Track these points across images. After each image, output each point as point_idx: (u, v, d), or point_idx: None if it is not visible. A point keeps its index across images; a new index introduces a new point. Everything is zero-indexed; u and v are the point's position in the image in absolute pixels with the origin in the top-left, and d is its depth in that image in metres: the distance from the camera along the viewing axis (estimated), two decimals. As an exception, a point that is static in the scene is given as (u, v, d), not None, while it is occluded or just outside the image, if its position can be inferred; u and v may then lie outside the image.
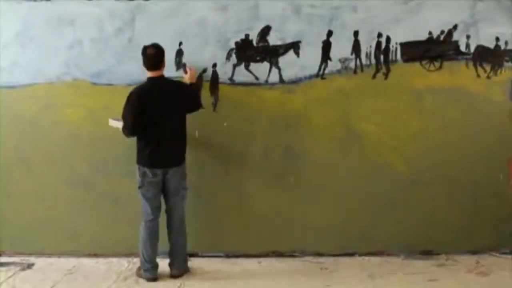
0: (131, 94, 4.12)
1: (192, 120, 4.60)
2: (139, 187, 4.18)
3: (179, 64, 4.61)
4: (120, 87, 4.61)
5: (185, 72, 4.48)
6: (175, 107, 4.14)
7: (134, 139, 4.20)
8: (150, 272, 4.19)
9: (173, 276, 4.23)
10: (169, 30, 4.58)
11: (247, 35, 4.59)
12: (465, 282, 4.07)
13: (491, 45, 4.60)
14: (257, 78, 4.62)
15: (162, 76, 4.20)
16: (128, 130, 4.12)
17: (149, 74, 4.19)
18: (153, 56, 4.13)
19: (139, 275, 4.25)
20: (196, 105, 4.30)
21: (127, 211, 4.61)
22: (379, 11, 4.56)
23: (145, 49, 4.17)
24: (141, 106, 4.05)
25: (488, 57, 4.61)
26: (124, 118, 4.12)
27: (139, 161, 4.17)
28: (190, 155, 4.56)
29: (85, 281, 4.18)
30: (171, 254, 4.27)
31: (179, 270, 4.25)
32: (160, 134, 4.09)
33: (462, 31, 4.59)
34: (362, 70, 4.62)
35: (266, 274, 4.28)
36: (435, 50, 4.60)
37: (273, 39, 4.59)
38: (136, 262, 4.50)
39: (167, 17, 4.58)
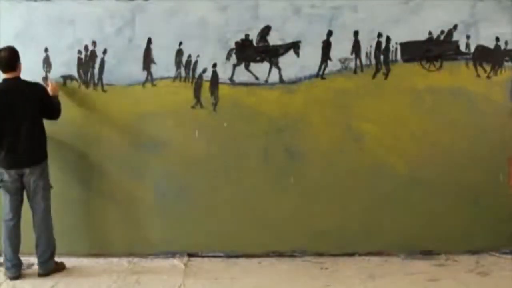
0: None
1: (192, 120, 4.62)
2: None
3: (179, 64, 4.61)
4: (120, 87, 4.62)
5: (47, 85, 4.48)
6: (29, 107, 4.14)
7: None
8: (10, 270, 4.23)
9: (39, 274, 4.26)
10: (169, 30, 4.58)
11: (247, 35, 4.59)
12: (465, 282, 4.07)
13: (491, 45, 4.61)
14: (257, 78, 4.62)
15: (17, 78, 4.20)
16: None
17: (4, 75, 4.20)
18: (7, 58, 4.13)
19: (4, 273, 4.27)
20: (55, 113, 4.30)
21: (127, 211, 4.62)
22: (379, 11, 4.56)
23: None
24: None
25: (488, 57, 4.61)
26: None
27: None
28: (190, 155, 4.58)
29: (85, 281, 4.18)
30: (36, 253, 4.28)
31: (43, 270, 4.26)
32: (13, 134, 4.10)
33: (462, 31, 4.59)
34: (362, 70, 4.62)
35: (266, 274, 4.28)
36: (435, 50, 4.60)
37: (273, 39, 4.59)
38: (136, 262, 4.51)
39: (167, 17, 4.59)
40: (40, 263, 4.27)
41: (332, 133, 4.62)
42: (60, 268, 4.36)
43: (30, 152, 4.16)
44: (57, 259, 4.48)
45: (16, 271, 4.23)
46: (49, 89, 4.41)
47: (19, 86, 4.20)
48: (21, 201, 4.26)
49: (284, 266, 4.45)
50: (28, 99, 4.16)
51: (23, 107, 4.12)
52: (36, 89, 4.26)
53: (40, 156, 4.24)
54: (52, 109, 4.29)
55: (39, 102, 4.20)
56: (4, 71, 4.19)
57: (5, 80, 4.21)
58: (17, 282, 4.16)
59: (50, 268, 4.28)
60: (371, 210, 4.63)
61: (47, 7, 4.60)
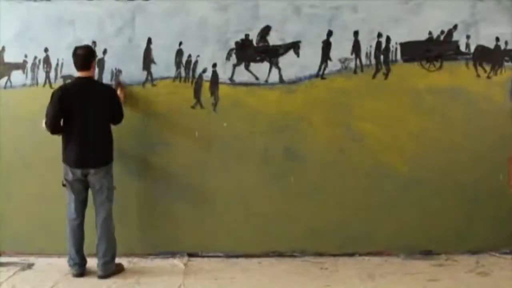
0: (55, 91, 4.15)
1: (192, 120, 4.62)
2: (63, 186, 4.21)
3: (179, 64, 4.61)
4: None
5: (117, 88, 4.50)
6: (100, 108, 4.14)
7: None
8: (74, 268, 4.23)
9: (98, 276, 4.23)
10: (169, 30, 4.59)
11: (247, 35, 4.60)
12: (465, 282, 4.07)
13: (491, 45, 4.61)
14: (257, 78, 4.63)
15: (90, 77, 4.21)
16: (48, 126, 4.13)
17: (77, 74, 4.20)
18: (83, 56, 4.13)
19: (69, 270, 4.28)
20: (120, 118, 4.28)
21: (127, 211, 4.61)
22: (379, 11, 4.56)
23: (76, 49, 4.18)
24: (63, 104, 4.06)
25: (488, 57, 4.61)
26: (46, 113, 4.13)
27: (64, 160, 4.19)
28: (189, 156, 4.58)
29: (85, 281, 4.18)
30: (97, 254, 4.26)
31: (103, 272, 4.22)
32: (82, 133, 4.10)
33: (462, 31, 4.59)
34: (362, 70, 4.62)
35: (266, 274, 4.28)
36: (435, 50, 4.60)
37: (273, 39, 4.59)
38: (136, 262, 4.51)
39: (167, 17, 4.59)
40: (101, 265, 4.21)
41: (332, 133, 4.62)
42: (120, 269, 4.32)
43: (98, 153, 4.16)
44: (57, 259, 4.50)
45: (79, 269, 4.22)
46: (119, 94, 4.40)
47: (91, 86, 4.19)
48: (85, 201, 4.25)
49: (284, 266, 4.45)
50: (99, 100, 4.14)
51: (94, 107, 4.10)
52: (107, 91, 4.25)
53: (107, 158, 4.22)
54: (118, 113, 4.27)
55: (108, 104, 4.18)
56: (79, 69, 4.16)
57: (78, 78, 4.18)
58: (18, 282, 4.16)
59: (111, 269, 4.24)
60: (371, 210, 4.63)
61: (47, 7, 4.61)
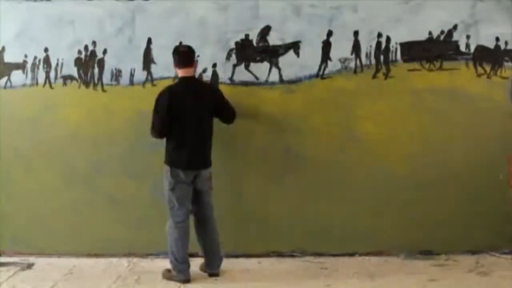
0: (161, 93, 4.09)
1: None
2: (171, 189, 4.12)
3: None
4: (120, 87, 4.63)
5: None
6: (206, 109, 4.11)
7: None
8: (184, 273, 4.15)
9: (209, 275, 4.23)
10: (169, 30, 4.59)
11: (247, 35, 4.60)
12: (465, 282, 4.06)
13: (491, 45, 4.61)
14: (257, 78, 4.63)
15: (193, 78, 4.19)
16: (157, 132, 4.09)
17: (180, 73, 4.16)
18: (187, 52, 4.12)
19: (168, 277, 4.19)
20: (230, 112, 4.23)
21: (127, 211, 4.62)
22: (379, 11, 4.56)
23: (176, 48, 4.19)
24: (172, 105, 4.01)
25: (488, 57, 4.61)
26: (153, 118, 4.07)
27: (171, 162, 4.12)
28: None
29: (85, 281, 4.18)
30: (206, 254, 4.26)
31: (216, 268, 4.24)
32: (192, 135, 4.07)
33: (462, 31, 4.59)
34: (362, 70, 4.62)
35: (266, 274, 4.28)
36: (435, 50, 4.60)
37: (273, 39, 4.60)
38: (136, 262, 4.51)
39: (167, 17, 4.59)
40: (213, 263, 4.23)
41: (332, 133, 4.61)
42: None
43: (206, 154, 4.16)
44: (57, 259, 4.50)
45: (188, 273, 4.15)
46: None
47: (196, 86, 4.16)
48: (191, 203, 4.21)
49: (284, 266, 4.45)
50: (206, 100, 4.10)
51: (201, 108, 4.07)
52: (213, 91, 4.24)
53: (211, 158, 4.21)
54: (229, 112, 4.23)
55: (214, 105, 4.15)
56: (184, 65, 4.10)
57: (182, 79, 4.15)
58: (18, 282, 4.15)
59: (219, 266, 4.26)
60: (371, 210, 4.63)
61: (47, 7, 4.61)
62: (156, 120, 4.05)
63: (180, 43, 4.56)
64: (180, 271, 4.14)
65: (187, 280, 4.11)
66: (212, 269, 4.23)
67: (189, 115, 4.04)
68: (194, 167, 4.11)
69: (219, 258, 4.25)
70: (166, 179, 4.12)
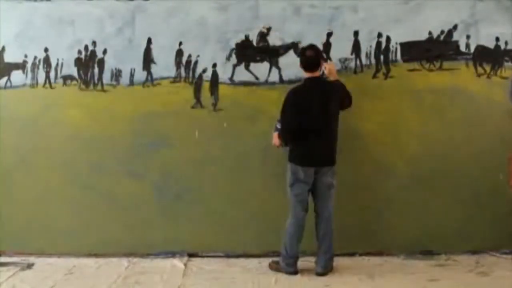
0: (287, 94, 4.14)
1: (192, 120, 4.62)
2: (291, 185, 4.18)
3: (179, 64, 4.62)
4: (120, 87, 4.63)
5: (323, 69, 4.33)
6: (332, 107, 4.13)
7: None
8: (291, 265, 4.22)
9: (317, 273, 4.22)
10: (169, 30, 4.59)
11: (247, 35, 4.60)
12: (465, 282, 4.06)
13: (491, 45, 4.61)
14: (257, 78, 4.63)
15: (319, 77, 4.19)
16: (287, 133, 4.14)
17: (306, 74, 4.18)
18: (312, 58, 4.13)
19: (276, 269, 4.28)
20: (349, 100, 4.24)
21: (127, 211, 4.62)
22: (379, 11, 4.57)
23: (304, 50, 4.18)
24: (297, 106, 4.07)
25: (488, 57, 4.61)
26: (282, 120, 4.14)
27: (292, 159, 4.17)
28: (190, 155, 4.58)
29: (85, 281, 4.17)
30: (318, 252, 4.26)
31: (323, 268, 4.22)
32: (316, 133, 4.09)
33: (462, 31, 4.60)
34: (362, 70, 4.62)
35: (266, 274, 4.27)
36: (435, 50, 4.60)
37: (273, 39, 4.60)
38: (136, 262, 4.51)
39: (167, 17, 4.59)
40: (321, 262, 4.21)
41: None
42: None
43: (330, 151, 4.16)
44: (57, 259, 4.50)
45: (295, 266, 4.21)
46: (327, 73, 4.29)
47: (322, 85, 4.18)
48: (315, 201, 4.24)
49: (284, 266, 4.45)
50: (331, 98, 4.12)
51: (327, 106, 4.09)
52: (335, 87, 4.21)
53: (335, 156, 4.20)
54: (348, 98, 4.22)
55: (339, 100, 4.17)
56: (309, 71, 4.14)
57: (308, 79, 4.16)
58: (17, 282, 4.15)
59: (329, 268, 4.23)
60: (371, 210, 4.63)
61: (47, 7, 4.61)
62: (286, 124, 4.12)
63: (180, 43, 4.57)
64: (288, 264, 4.21)
65: (294, 272, 4.19)
66: (316, 268, 4.23)
67: (312, 112, 4.06)
68: (313, 164, 4.13)
69: (326, 259, 4.22)
70: (287, 175, 4.20)
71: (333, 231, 4.22)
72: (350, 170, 4.60)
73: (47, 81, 4.67)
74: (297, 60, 4.55)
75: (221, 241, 4.65)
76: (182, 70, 4.63)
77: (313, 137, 4.09)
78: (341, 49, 4.59)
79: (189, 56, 4.62)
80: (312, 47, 4.21)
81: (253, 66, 4.63)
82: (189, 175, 4.64)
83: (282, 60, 4.61)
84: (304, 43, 4.54)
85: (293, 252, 4.21)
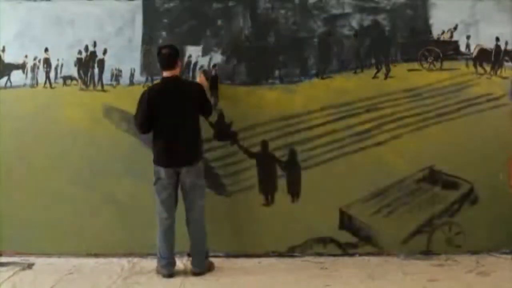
0: (143, 92, 4.17)
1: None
2: (154, 185, 4.21)
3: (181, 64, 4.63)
4: (120, 87, 4.63)
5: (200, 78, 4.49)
6: (187, 107, 4.14)
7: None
8: (166, 268, 4.22)
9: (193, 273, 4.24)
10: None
11: (247, 36, 4.60)
12: (465, 282, 4.07)
13: (491, 45, 4.61)
14: (257, 78, 4.63)
15: (176, 77, 4.20)
16: (137, 126, 4.20)
17: (163, 73, 4.19)
18: (167, 55, 4.14)
19: (157, 271, 4.28)
20: (207, 109, 4.28)
21: (127, 211, 4.62)
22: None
23: (160, 49, 4.19)
24: (151, 104, 4.08)
25: (488, 57, 4.61)
26: (135, 115, 4.19)
27: (155, 160, 4.20)
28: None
29: (85, 281, 4.18)
30: (191, 252, 4.29)
31: (197, 268, 4.24)
32: (171, 133, 4.10)
33: (462, 31, 4.59)
34: (362, 70, 4.62)
35: (266, 274, 4.28)
36: (435, 50, 4.60)
37: (273, 39, 4.60)
38: (136, 262, 4.51)
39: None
40: (195, 262, 4.24)
41: (332, 133, 4.61)
42: (211, 267, 4.33)
43: (188, 151, 4.16)
44: (57, 259, 4.50)
45: (171, 269, 4.21)
46: (198, 80, 4.40)
47: (178, 85, 4.18)
48: (176, 200, 4.25)
49: (284, 266, 4.45)
50: (188, 98, 4.14)
51: (183, 106, 4.11)
52: (194, 88, 4.24)
53: (197, 155, 4.22)
54: (207, 106, 4.27)
55: (197, 101, 4.18)
56: (164, 69, 4.16)
57: (164, 78, 4.19)
58: (17, 282, 4.15)
59: (204, 267, 4.26)
60: (371, 210, 4.62)
61: (47, 7, 4.61)
62: (138, 117, 4.16)
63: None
64: (162, 266, 4.21)
65: (169, 275, 4.18)
66: (193, 267, 4.26)
67: (167, 113, 4.08)
68: (172, 165, 4.14)
69: (197, 259, 4.25)
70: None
71: (203, 230, 4.25)
72: (349, 169, 4.61)
73: (47, 81, 4.67)
74: (297, 60, 4.58)
75: (221, 241, 4.65)
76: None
77: (170, 137, 4.10)
78: (341, 49, 4.59)
79: (189, 56, 4.62)
80: (168, 46, 4.22)
81: (253, 66, 4.63)
82: (189, 175, 4.65)
83: (282, 60, 4.61)
84: (304, 43, 4.55)
85: (166, 254, 4.21)
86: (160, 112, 4.08)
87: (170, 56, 4.14)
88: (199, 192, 4.24)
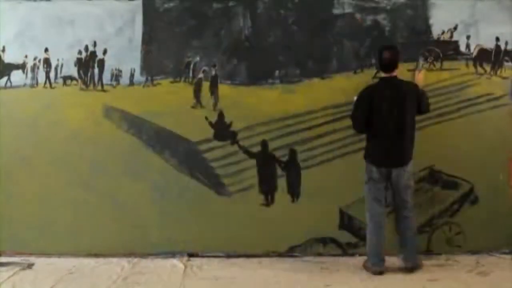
0: (361, 91, 4.15)
1: (192, 120, 4.62)
2: (366, 183, 4.22)
3: (179, 64, 4.63)
4: (120, 87, 4.63)
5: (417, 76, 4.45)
6: (407, 107, 4.10)
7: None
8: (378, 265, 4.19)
9: (406, 269, 4.22)
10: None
11: (246, 36, 4.61)
12: (465, 282, 4.06)
13: (491, 45, 4.61)
14: (257, 79, 4.63)
15: (396, 77, 4.16)
16: (356, 126, 4.19)
17: (382, 74, 4.19)
18: (389, 59, 4.12)
19: (366, 268, 4.25)
20: (426, 105, 4.24)
21: (127, 211, 4.62)
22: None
23: (381, 51, 4.16)
24: (370, 104, 4.07)
25: (488, 57, 4.61)
26: (352, 113, 4.18)
27: (368, 158, 4.19)
28: (189, 156, 4.58)
29: (85, 281, 4.18)
30: (402, 248, 4.26)
31: (411, 263, 4.21)
32: (391, 132, 4.08)
33: (462, 31, 4.60)
34: (362, 70, 4.62)
35: (266, 274, 4.28)
36: (435, 50, 4.60)
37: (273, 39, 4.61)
38: (136, 262, 4.51)
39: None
40: (408, 257, 4.21)
41: (332, 133, 4.61)
42: (421, 264, 4.28)
43: (407, 151, 4.14)
44: (57, 259, 4.50)
45: (382, 266, 4.19)
46: (417, 79, 4.36)
47: (399, 85, 4.15)
48: (386, 198, 4.24)
49: (284, 266, 4.45)
50: (409, 98, 4.11)
51: (405, 106, 4.08)
52: (413, 87, 4.21)
53: (411, 155, 4.18)
54: (424, 104, 4.23)
55: (416, 101, 4.16)
56: (386, 71, 4.14)
57: (384, 78, 4.16)
58: (18, 282, 4.15)
59: (417, 263, 4.22)
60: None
61: (47, 7, 4.62)
62: (357, 116, 4.15)
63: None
64: (374, 264, 4.19)
65: (380, 272, 4.15)
66: (406, 263, 4.22)
67: (390, 112, 4.05)
68: (389, 165, 4.13)
69: (412, 253, 4.22)
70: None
71: (415, 228, 4.24)
72: (349, 169, 4.60)
73: (47, 81, 4.67)
74: (297, 60, 4.58)
75: (221, 241, 4.65)
76: (182, 70, 4.63)
77: (392, 137, 4.08)
78: (340, 49, 4.59)
79: (189, 56, 4.62)
80: (390, 48, 4.19)
81: (253, 66, 4.63)
82: (189, 174, 4.64)
83: (283, 60, 4.61)
84: (304, 43, 4.56)
85: (378, 251, 4.18)
86: (381, 111, 4.06)
87: (391, 61, 4.11)
88: (410, 191, 4.22)
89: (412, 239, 4.22)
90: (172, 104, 4.62)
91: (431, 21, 4.60)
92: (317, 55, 4.61)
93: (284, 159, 4.65)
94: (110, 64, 4.63)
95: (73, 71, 4.67)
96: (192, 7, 4.60)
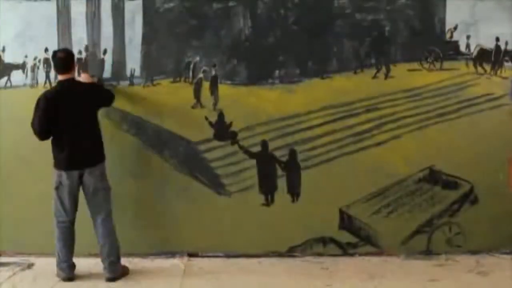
0: (39, 98, 4.10)
1: (192, 120, 4.62)
2: (55, 189, 4.15)
3: (179, 64, 4.62)
4: (120, 88, 4.63)
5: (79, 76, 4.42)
6: (85, 108, 4.11)
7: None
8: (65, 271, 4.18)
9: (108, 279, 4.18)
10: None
11: (246, 36, 4.60)
12: (465, 282, 4.07)
13: (491, 45, 4.61)
14: (258, 79, 4.62)
15: (72, 79, 4.16)
16: (38, 134, 4.10)
17: (59, 77, 4.18)
18: (63, 59, 4.11)
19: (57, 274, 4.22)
20: (109, 98, 4.27)
21: (126, 211, 4.61)
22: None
23: (55, 53, 4.17)
24: (49, 109, 4.03)
25: (488, 57, 4.61)
26: (32, 122, 4.09)
27: (55, 165, 4.15)
28: (189, 155, 4.58)
29: (86, 281, 4.18)
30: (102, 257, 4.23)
31: (110, 273, 4.18)
32: (71, 136, 4.06)
33: (462, 31, 4.59)
34: (362, 70, 4.62)
35: (266, 274, 4.28)
36: (435, 50, 4.60)
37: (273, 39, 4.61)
38: (136, 262, 4.51)
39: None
40: (107, 267, 4.18)
41: (332, 133, 4.61)
42: (126, 272, 4.27)
43: (89, 153, 4.13)
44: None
45: (70, 272, 4.18)
46: (81, 79, 4.33)
47: (74, 87, 4.15)
48: (77, 203, 4.21)
49: (284, 266, 4.45)
50: (84, 99, 4.11)
51: (80, 107, 4.08)
52: (90, 87, 4.23)
53: (98, 157, 4.19)
54: (105, 95, 4.26)
55: (95, 100, 4.18)
56: (60, 72, 4.15)
57: (59, 82, 4.16)
58: (18, 282, 4.16)
59: (117, 271, 4.19)
60: (371, 210, 4.63)
61: (47, 7, 4.60)
62: (35, 123, 4.07)
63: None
64: (62, 269, 4.17)
65: (67, 279, 4.15)
66: (105, 273, 4.19)
67: (65, 116, 4.03)
68: (74, 167, 4.10)
69: (108, 265, 4.17)
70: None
71: (112, 234, 4.19)
72: (349, 169, 4.61)
73: (47, 81, 4.67)
74: (297, 60, 4.58)
75: (221, 241, 4.65)
76: (182, 70, 4.63)
77: (70, 140, 4.05)
78: (341, 49, 4.59)
79: (189, 56, 4.62)
80: (63, 50, 4.22)
81: (253, 66, 4.63)
82: (189, 174, 4.64)
83: (283, 60, 4.61)
84: (303, 43, 4.55)
85: (65, 257, 4.17)
86: (59, 115, 4.03)
87: (66, 60, 4.11)
88: (103, 194, 4.20)
89: (112, 246, 4.17)
90: (172, 104, 4.62)
91: (431, 21, 4.59)
92: (317, 55, 4.60)
93: (284, 159, 4.64)
94: (110, 64, 4.63)
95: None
96: (192, 7, 4.59)
